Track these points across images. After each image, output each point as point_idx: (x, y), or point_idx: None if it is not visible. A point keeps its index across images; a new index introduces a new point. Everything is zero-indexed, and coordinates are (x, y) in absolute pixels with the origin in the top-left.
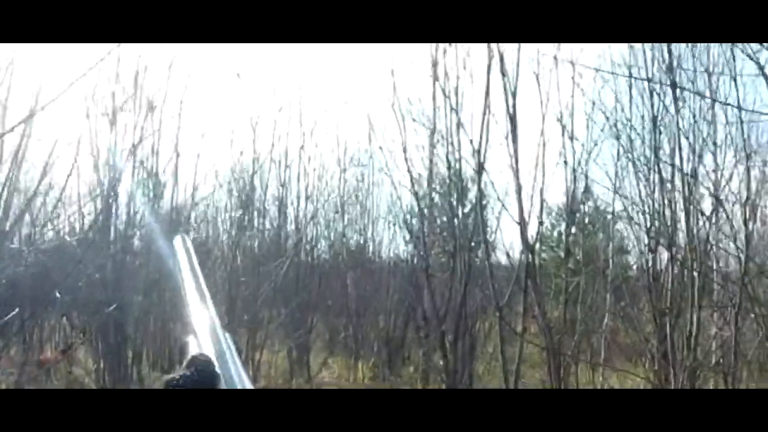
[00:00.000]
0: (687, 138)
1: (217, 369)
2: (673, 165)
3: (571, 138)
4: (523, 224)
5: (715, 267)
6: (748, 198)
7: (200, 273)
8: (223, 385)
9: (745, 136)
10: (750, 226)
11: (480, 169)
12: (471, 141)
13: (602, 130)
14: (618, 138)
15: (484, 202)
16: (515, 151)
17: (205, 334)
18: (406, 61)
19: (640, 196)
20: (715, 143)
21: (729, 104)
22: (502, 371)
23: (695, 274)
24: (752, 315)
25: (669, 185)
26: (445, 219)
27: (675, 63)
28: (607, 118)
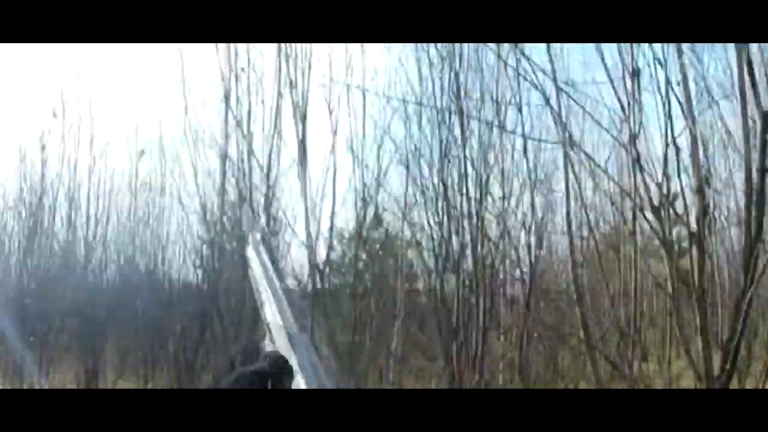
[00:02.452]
0: (474, 166)
1: (293, 364)
2: (461, 192)
3: (360, 165)
4: (311, 249)
5: (502, 291)
6: (533, 224)
7: (276, 278)
8: (298, 379)
9: (531, 164)
10: (535, 251)
11: (269, 194)
12: (261, 167)
13: (392, 159)
14: (407, 166)
15: (274, 227)
16: (305, 176)
17: (280, 334)
18: (198, 86)
19: (428, 223)
20: (502, 171)
21: (515, 133)
22: None
23: (481, 298)
24: (535, 335)
25: (456, 212)
26: (235, 244)
27: (463, 92)
28: (397, 147)
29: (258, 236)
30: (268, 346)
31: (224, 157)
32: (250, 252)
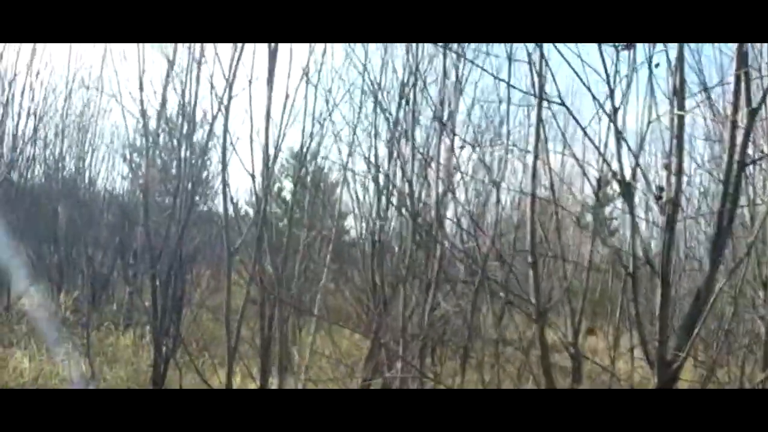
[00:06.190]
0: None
1: None
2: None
3: (315, 92)
4: (267, 173)
5: (455, 245)
6: (499, 178)
7: None
8: None
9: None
10: (494, 207)
11: (225, 109)
12: (212, 77)
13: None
14: (365, 98)
15: (215, 145)
16: (270, 95)
17: None
18: None
19: (376, 162)
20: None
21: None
22: (212, 320)
23: (431, 247)
24: (489, 296)
25: (410, 153)
26: (174, 156)
27: None
28: (361, 76)
29: None
30: None
31: (172, 64)
32: None
